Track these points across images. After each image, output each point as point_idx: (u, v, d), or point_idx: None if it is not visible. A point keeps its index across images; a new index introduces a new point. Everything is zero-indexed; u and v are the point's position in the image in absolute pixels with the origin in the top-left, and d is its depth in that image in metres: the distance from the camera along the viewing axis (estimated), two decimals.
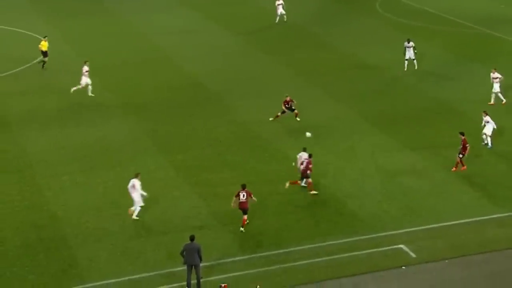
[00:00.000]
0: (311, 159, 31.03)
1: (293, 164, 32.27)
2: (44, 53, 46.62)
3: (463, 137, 32.60)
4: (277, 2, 57.56)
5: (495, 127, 34.98)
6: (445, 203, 30.16)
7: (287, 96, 38.30)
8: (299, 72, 46.46)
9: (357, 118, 38.89)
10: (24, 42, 51.76)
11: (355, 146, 35.49)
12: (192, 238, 24.90)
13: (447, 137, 35.86)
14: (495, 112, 37.17)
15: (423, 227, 28.23)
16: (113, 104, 41.15)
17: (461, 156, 32.52)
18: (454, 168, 32.46)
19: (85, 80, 41.71)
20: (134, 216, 29.03)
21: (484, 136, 35.04)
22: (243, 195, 28.49)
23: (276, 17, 57.24)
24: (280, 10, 56.98)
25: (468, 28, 55.39)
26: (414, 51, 45.69)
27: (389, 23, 57.14)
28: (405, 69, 45.71)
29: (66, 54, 49.51)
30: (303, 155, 31.46)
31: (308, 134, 34.88)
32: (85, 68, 41.94)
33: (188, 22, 58.13)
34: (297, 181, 31.08)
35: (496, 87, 40.18)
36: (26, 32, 53.00)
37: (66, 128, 37.51)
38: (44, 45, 46.69)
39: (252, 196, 28.54)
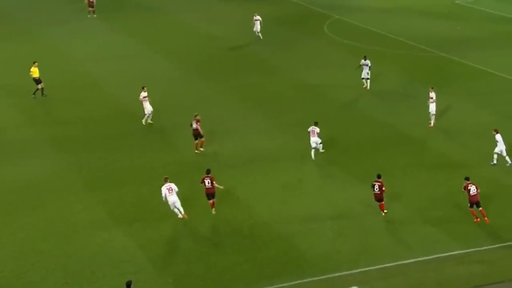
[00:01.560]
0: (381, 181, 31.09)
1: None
2: (37, 80, 45.55)
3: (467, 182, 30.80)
4: (254, 18, 59.35)
5: (502, 149, 35.16)
6: (401, 240, 29.74)
7: (196, 115, 38.29)
8: (243, 98, 46.03)
9: (306, 148, 38.44)
10: None
11: (304, 179, 34.99)
12: (128, 284, 24.26)
13: (402, 168, 35.70)
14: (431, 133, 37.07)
15: (378, 266, 27.71)
16: (35, 138, 39.94)
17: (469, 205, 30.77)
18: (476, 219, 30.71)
19: (148, 107, 41.16)
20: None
21: (495, 156, 35.36)
22: (208, 181, 31.59)
23: (254, 33, 58.79)
24: (257, 27, 58.78)
25: (422, 51, 55.96)
26: (368, 70, 46.51)
27: (338, 45, 57.38)
28: (364, 86, 46.91)
29: None
30: (315, 129, 36.68)
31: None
32: (143, 94, 41.25)
33: (122, 47, 57.33)
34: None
35: (432, 108, 40.70)
36: None
37: None
38: (35, 72, 45.61)
39: (214, 182, 31.55)
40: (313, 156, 36.97)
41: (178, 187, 31.03)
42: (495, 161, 35.88)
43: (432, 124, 40.88)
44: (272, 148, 38.62)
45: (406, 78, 49.40)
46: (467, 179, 30.88)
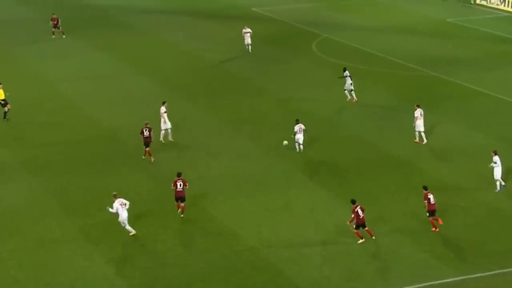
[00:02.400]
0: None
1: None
2: (3, 102, 45.52)
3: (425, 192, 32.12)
4: (243, 31, 60.86)
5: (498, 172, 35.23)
6: (392, 266, 29.80)
7: (147, 123, 40.02)
8: (229, 118, 46.18)
9: (293, 170, 38.59)
10: None
11: (292, 203, 35.06)
12: None
13: (391, 191, 35.86)
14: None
15: None
16: (10, 162, 39.79)
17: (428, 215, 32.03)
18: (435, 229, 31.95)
19: (167, 122, 41.84)
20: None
21: (498, 183, 35.43)
22: (180, 184, 33.37)
23: (245, 46, 60.39)
24: (247, 40, 60.30)
25: (411, 70, 56.42)
26: (350, 81, 48.01)
27: (326, 64, 57.72)
28: (347, 99, 48.20)
29: None
30: (301, 126, 40.10)
31: (285, 142, 40.34)
32: (163, 109, 41.82)
33: (99, 67, 57.40)
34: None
35: (419, 125, 41.45)
36: None
37: None
38: (0, 94, 45.52)
39: (187, 185, 33.48)
40: (298, 149, 40.37)
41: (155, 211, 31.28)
42: (498, 188, 35.76)
43: (424, 141, 41.52)
44: (258, 170, 38.71)
45: (395, 97, 49.77)
46: (425, 188, 32.09)
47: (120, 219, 31.89)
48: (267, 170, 38.72)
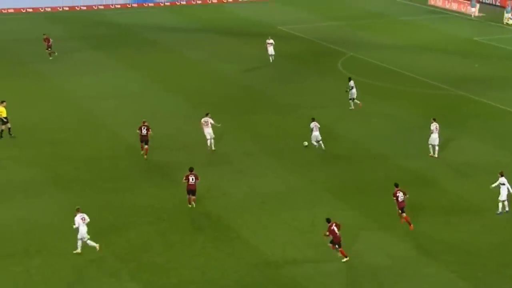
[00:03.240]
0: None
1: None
2: (3, 120, 45.92)
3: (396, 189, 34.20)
4: (267, 41, 63.58)
5: (510, 190, 35.38)
6: (419, 286, 29.79)
7: (144, 122, 43.00)
8: (255, 137, 46.43)
9: (318, 189, 38.74)
10: None
11: (317, 221, 35.19)
12: None
13: (417, 211, 35.86)
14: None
15: None
16: (39, 178, 40.30)
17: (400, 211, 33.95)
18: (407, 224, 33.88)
19: (210, 131, 43.82)
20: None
21: (500, 204, 35.46)
22: (192, 178, 35.84)
23: (269, 57, 62.96)
24: (270, 51, 63.04)
25: (438, 89, 56.43)
26: (354, 90, 50.81)
27: None
28: (351, 108, 50.99)
29: None
30: (316, 124, 43.12)
31: (305, 143, 43.30)
32: (207, 119, 44.06)
33: (126, 84, 57.91)
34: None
35: (435, 138, 42.32)
36: None
37: None
38: (2, 111, 46.01)
39: (199, 179, 35.90)
40: (317, 145, 43.26)
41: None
42: (500, 210, 35.65)
43: (434, 155, 42.27)
44: (283, 188, 38.92)
45: (421, 116, 49.71)
46: (396, 185, 34.39)
47: (79, 235, 31.98)
48: (292, 188, 38.91)
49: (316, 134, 42.98)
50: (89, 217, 32.39)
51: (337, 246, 31.40)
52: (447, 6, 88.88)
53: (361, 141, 45.79)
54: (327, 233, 31.51)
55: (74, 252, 32.15)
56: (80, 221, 32.18)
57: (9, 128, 46.26)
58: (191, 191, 36.13)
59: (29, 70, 62.11)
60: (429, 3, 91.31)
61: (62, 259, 31.91)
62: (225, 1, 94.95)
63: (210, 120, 43.88)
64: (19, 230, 34.48)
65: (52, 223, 35.24)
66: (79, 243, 32.20)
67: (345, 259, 31.39)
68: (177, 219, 35.59)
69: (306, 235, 33.94)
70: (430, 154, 42.58)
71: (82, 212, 32.44)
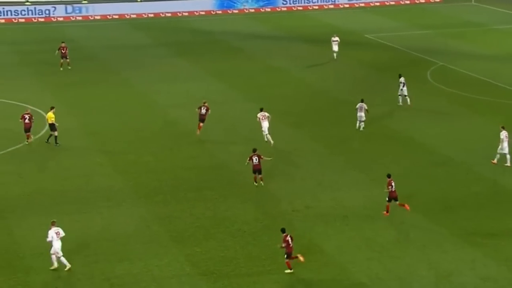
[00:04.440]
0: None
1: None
2: (52, 126, 46.81)
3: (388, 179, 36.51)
4: (332, 39, 66.96)
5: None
6: None
7: (205, 102, 48.10)
8: (336, 150, 46.22)
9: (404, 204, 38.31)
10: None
11: (402, 238, 34.76)
12: None
13: (510, 230, 35.00)
14: None
15: None
16: (122, 187, 41.12)
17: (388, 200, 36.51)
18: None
19: (265, 125, 46.11)
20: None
21: (498, 156, 35.99)
22: (256, 158, 39.33)
23: (332, 53, 66.18)
24: (335, 48, 66.25)
25: None
26: (404, 87, 53.23)
27: (441, 95, 57.02)
28: (400, 104, 53.22)
29: (70, 129, 49.89)
30: (363, 105, 48.20)
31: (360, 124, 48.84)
32: (265, 113, 46.60)
33: (209, 92, 58.30)
34: None
35: (505, 147, 42.57)
36: (25, 105, 53.42)
37: (67, 216, 37.23)
38: (50, 117, 46.98)
39: (262, 157, 39.38)
40: (360, 127, 48.38)
41: None
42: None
43: (508, 164, 42.41)
44: (368, 202, 38.61)
45: None
46: (388, 176, 36.73)
47: (52, 250, 31.75)
48: (377, 202, 38.51)
49: (360, 114, 48.35)
50: (171, 227, 32.70)
51: (286, 256, 31.54)
52: None
53: (451, 156, 44.89)
54: (283, 245, 31.71)
55: (51, 268, 32.00)
56: (54, 235, 31.78)
57: (56, 137, 46.67)
58: (257, 170, 39.70)
59: (114, 77, 63.52)
60: None
61: (142, 269, 32.36)
62: (310, 8, 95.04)
63: (267, 114, 46.42)
64: (101, 239, 35.21)
65: (134, 232, 35.83)
66: (53, 257, 31.89)
67: (288, 271, 31.59)
68: (258, 232, 35.70)
69: (391, 252, 33.55)
70: (493, 161, 42.49)
71: (56, 226, 32.20)
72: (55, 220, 32.94)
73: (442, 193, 39.80)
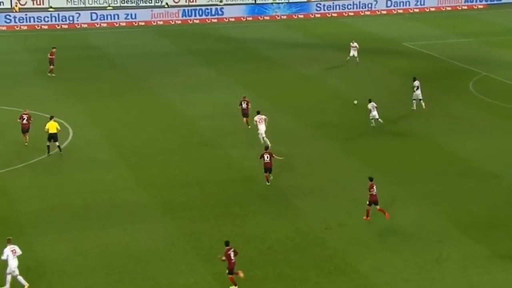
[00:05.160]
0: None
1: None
2: (53, 137, 47.07)
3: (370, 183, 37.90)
4: (351, 44, 69.36)
5: None
6: None
7: (244, 97, 51.95)
8: (372, 164, 46.01)
9: (445, 223, 38.05)
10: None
11: (442, 258, 34.54)
12: None
13: None
14: None
15: None
16: (146, 202, 41.30)
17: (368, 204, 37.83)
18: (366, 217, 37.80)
19: (262, 128, 48.30)
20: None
21: None
22: (267, 156, 41.72)
23: (350, 57, 68.69)
24: (353, 53, 69.02)
25: None
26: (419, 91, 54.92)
27: (484, 106, 56.64)
28: (413, 108, 55.12)
29: (93, 141, 50.33)
30: (373, 104, 51.50)
31: (355, 101, 53.29)
32: (262, 116, 48.60)
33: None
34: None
35: None
36: (48, 115, 53.87)
37: (89, 231, 37.64)
38: (52, 127, 47.10)
39: (274, 156, 41.81)
40: (374, 123, 51.55)
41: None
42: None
43: None
44: (406, 221, 38.46)
45: None
46: (370, 179, 38.05)
47: (8, 270, 31.49)
48: (416, 221, 38.37)
49: (374, 113, 51.21)
50: (198, 244, 32.79)
51: (227, 271, 32.12)
52: None
53: (495, 172, 44.52)
54: (223, 258, 31.94)
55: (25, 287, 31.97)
56: (10, 254, 31.53)
57: (58, 146, 47.23)
58: (268, 168, 41.86)
59: (139, 86, 63.94)
60: None
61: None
62: (346, 15, 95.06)
63: (264, 116, 48.35)
64: (125, 256, 35.38)
65: (158, 250, 35.96)
66: (8, 278, 31.62)
67: (233, 287, 31.81)
68: (289, 251, 35.65)
69: (430, 274, 33.35)
70: None
71: (12, 244, 32.07)
72: (11, 237, 32.83)
73: (485, 210, 39.50)
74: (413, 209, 39.73)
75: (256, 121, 48.52)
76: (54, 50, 66.93)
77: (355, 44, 69.33)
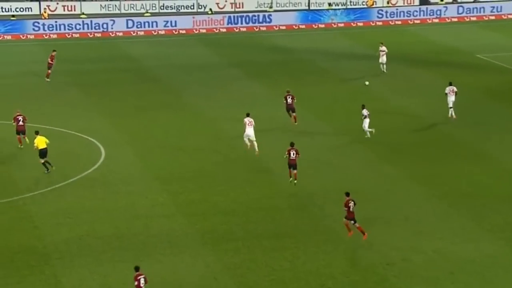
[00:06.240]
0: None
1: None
2: (45, 152, 47.72)
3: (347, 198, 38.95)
4: (380, 48, 70.83)
5: None
6: None
7: (288, 91, 55.86)
8: (439, 191, 45.65)
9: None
10: (77, 147, 53.48)
11: None
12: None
13: None
14: None
15: None
16: (185, 230, 41.43)
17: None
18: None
19: (250, 131, 50.50)
20: None
21: None
22: (293, 153, 44.99)
23: (380, 65, 70.42)
24: (383, 58, 70.47)
25: None
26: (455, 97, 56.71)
27: None
28: (449, 116, 56.66)
29: (128, 163, 50.68)
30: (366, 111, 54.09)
31: (367, 82, 57.17)
32: (251, 119, 50.96)
33: (287, 121, 58.21)
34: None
35: None
36: (79, 134, 54.61)
37: (122, 263, 37.76)
38: (41, 142, 47.74)
39: (299, 154, 45.04)
40: (368, 135, 53.36)
41: None
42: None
43: None
44: (479, 256, 38.06)
45: None
46: (347, 194, 39.01)
47: None
48: (489, 256, 37.94)
49: (367, 122, 53.29)
50: (243, 279, 32.73)
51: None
52: None
53: None
54: None
55: None
56: None
57: (48, 162, 47.95)
58: (292, 165, 45.09)
59: (179, 101, 64.54)
60: None
61: None
62: (411, 22, 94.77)
63: (252, 120, 50.77)
64: None
65: (199, 284, 36.02)
66: None
67: None
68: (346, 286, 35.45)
69: None
70: None
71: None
72: None
73: None
74: (486, 243, 39.28)
75: (245, 123, 50.83)
76: (54, 53, 69.02)
77: (384, 47, 70.21)
